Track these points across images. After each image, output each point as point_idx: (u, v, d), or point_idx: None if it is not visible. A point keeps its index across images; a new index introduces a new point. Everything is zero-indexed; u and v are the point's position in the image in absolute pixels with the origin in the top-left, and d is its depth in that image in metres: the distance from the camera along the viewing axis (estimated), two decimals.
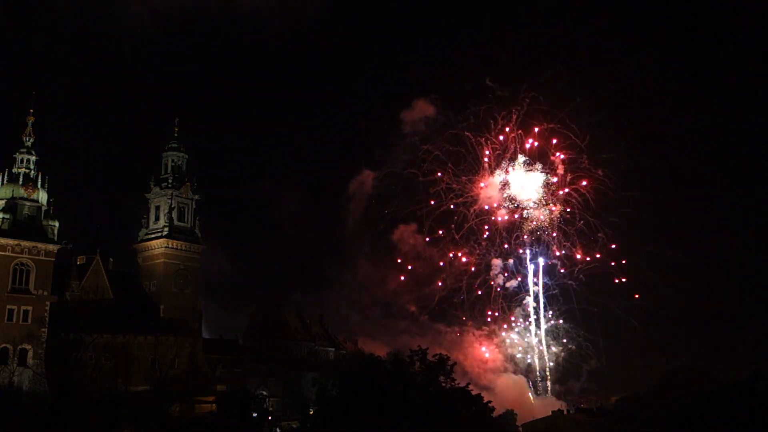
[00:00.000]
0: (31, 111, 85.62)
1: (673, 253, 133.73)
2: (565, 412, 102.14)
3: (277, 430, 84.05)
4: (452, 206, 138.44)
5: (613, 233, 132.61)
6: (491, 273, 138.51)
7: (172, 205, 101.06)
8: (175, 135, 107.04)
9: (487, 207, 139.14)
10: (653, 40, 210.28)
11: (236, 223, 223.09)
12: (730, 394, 66.47)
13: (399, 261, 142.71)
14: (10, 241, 78.08)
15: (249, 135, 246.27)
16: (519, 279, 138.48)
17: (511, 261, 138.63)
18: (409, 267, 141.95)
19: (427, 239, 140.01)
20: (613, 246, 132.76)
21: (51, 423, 63.46)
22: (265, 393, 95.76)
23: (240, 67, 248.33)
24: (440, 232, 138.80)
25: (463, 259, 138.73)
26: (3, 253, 77.68)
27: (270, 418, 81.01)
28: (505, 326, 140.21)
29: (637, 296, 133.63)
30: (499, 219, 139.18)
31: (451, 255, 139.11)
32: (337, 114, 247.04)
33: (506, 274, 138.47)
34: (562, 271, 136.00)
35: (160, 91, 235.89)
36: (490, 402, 67.27)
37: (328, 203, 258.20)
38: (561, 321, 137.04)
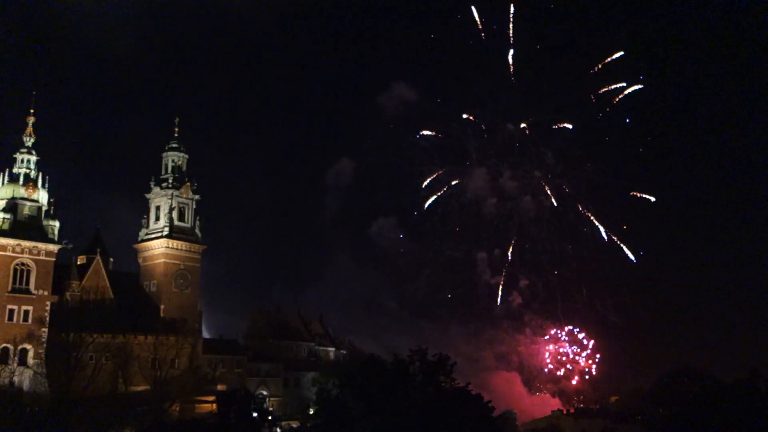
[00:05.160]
0: (31, 111, 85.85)
1: (672, 251, 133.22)
2: (564, 412, 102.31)
3: (277, 430, 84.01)
4: (436, 198, 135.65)
5: (609, 229, 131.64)
6: (477, 269, 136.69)
7: (173, 205, 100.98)
8: (175, 135, 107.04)
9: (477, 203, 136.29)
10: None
11: (236, 223, 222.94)
12: (730, 393, 66.58)
13: (379, 256, 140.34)
14: (11, 241, 78.19)
15: (238, 131, 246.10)
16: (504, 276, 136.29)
17: (497, 251, 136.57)
18: (390, 262, 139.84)
19: (410, 233, 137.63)
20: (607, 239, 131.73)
21: (51, 423, 63.50)
22: (265, 393, 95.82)
23: (220, 61, 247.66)
24: (426, 224, 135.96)
25: (448, 253, 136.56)
26: (3, 253, 77.80)
27: (270, 418, 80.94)
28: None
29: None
30: (487, 211, 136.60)
31: (434, 249, 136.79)
32: (317, 101, 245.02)
33: (491, 269, 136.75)
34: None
35: (160, 91, 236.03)
36: (489, 402, 67.23)
37: (309, 195, 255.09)
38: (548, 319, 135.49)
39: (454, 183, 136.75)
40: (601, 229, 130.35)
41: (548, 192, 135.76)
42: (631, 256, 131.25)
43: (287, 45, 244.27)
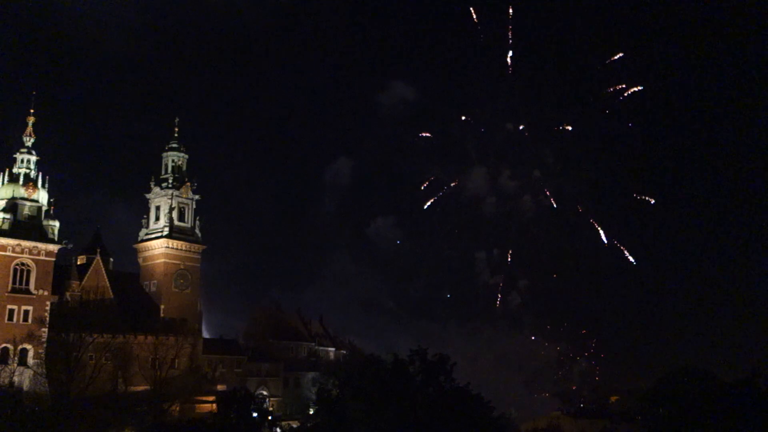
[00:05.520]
0: (31, 111, 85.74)
1: (672, 252, 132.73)
2: (564, 412, 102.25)
3: (277, 430, 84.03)
4: (435, 197, 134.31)
5: (607, 229, 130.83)
6: (476, 269, 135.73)
7: (173, 205, 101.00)
8: (175, 135, 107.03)
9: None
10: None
11: (235, 223, 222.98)
12: (730, 393, 66.55)
13: (378, 255, 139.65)
14: (11, 241, 78.13)
15: (238, 131, 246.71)
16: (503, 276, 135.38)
17: (496, 251, 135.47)
18: (389, 262, 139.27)
19: (408, 233, 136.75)
20: (606, 242, 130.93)
21: (51, 423, 63.47)
22: (265, 393, 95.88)
23: (220, 61, 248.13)
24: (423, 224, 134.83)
25: (447, 253, 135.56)
26: (3, 253, 77.73)
27: (270, 418, 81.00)
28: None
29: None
30: (486, 210, 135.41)
31: (434, 249, 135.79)
32: (315, 100, 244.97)
33: (490, 269, 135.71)
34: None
35: (160, 91, 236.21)
36: (490, 402, 67.21)
37: (309, 195, 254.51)
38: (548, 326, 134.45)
39: (453, 183, 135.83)
40: (601, 232, 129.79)
41: (547, 192, 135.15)
42: (631, 259, 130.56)
43: (286, 45, 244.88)
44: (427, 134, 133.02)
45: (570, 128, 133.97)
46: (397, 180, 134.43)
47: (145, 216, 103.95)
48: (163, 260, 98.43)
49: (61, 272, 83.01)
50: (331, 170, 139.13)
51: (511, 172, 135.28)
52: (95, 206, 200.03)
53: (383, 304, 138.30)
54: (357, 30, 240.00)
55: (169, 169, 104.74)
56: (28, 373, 74.23)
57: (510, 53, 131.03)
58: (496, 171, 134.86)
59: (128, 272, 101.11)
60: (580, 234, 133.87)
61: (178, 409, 79.22)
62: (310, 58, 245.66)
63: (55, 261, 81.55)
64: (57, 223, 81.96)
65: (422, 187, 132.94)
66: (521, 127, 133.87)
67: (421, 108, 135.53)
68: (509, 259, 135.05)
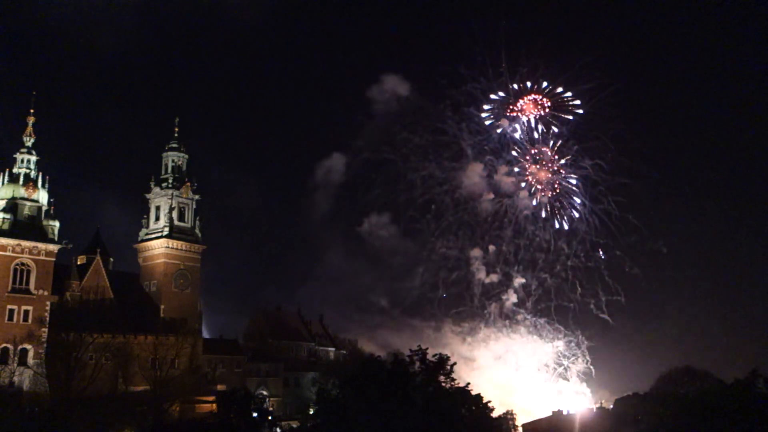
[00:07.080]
0: (31, 111, 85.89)
1: (672, 251, 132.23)
2: (564, 412, 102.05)
3: (277, 430, 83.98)
4: (431, 194, 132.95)
5: (604, 226, 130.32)
6: (471, 267, 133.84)
7: (173, 205, 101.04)
8: (175, 135, 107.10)
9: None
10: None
11: (233, 222, 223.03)
12: (730, 393, 66.63)
13: (371, 254, 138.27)
14: (11, 241, 78.20)
15: (238, 131, 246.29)
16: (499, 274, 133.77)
17: (492, 249, 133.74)
18: (383, 260, 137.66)
19: (403, 230, 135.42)
20: (602, 243, 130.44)
21: (51, 423, 63.51)
22: (265, 393, 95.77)
23: (218, 61, 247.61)
24: (418, 222, 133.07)
25: (442, 251, 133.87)
26: (3, 253, 77.80)
27: (270, 418, 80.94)
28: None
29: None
30: (483, 207, 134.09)
31: (428, 247, 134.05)
32: (306, 94, 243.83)
33: (486, 267, 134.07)
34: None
35: (159, 90, 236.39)
36: (489, 402, 67.27)
37: (305, 193, 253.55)
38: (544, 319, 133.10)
39: (448, 179, 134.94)
40: (601, 252, 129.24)
41: (545, 190, 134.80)
42: (627, 269, 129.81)
43: (282, 42, 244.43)
44: (423, 126, 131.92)
45: (570, 117, 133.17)
46: (392, 176, 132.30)
47: (145, 216, 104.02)
48: (163, 260, 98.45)
49: (61, 272, 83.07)
50: (323, 167, 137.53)
51: (509, 168, 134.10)
52: (95, 206, 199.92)
53: (377, 302, 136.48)
54: (350, 24, 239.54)
55: (169, 169, 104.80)
56: (28, 373, 74.29)
57: (504, 49, 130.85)
58: (492, 168, 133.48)
59: (128, 272, 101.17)
60: (578, 231, 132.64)
61: (178, 409, 79.21)
62: (305, 54, 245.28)
63: (55, 261, 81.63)
64: (57, 223, 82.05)
65: (416, 183, 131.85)
66: (517, 128, 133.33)
67: (416, 103, 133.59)
68: (505, 257, 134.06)
